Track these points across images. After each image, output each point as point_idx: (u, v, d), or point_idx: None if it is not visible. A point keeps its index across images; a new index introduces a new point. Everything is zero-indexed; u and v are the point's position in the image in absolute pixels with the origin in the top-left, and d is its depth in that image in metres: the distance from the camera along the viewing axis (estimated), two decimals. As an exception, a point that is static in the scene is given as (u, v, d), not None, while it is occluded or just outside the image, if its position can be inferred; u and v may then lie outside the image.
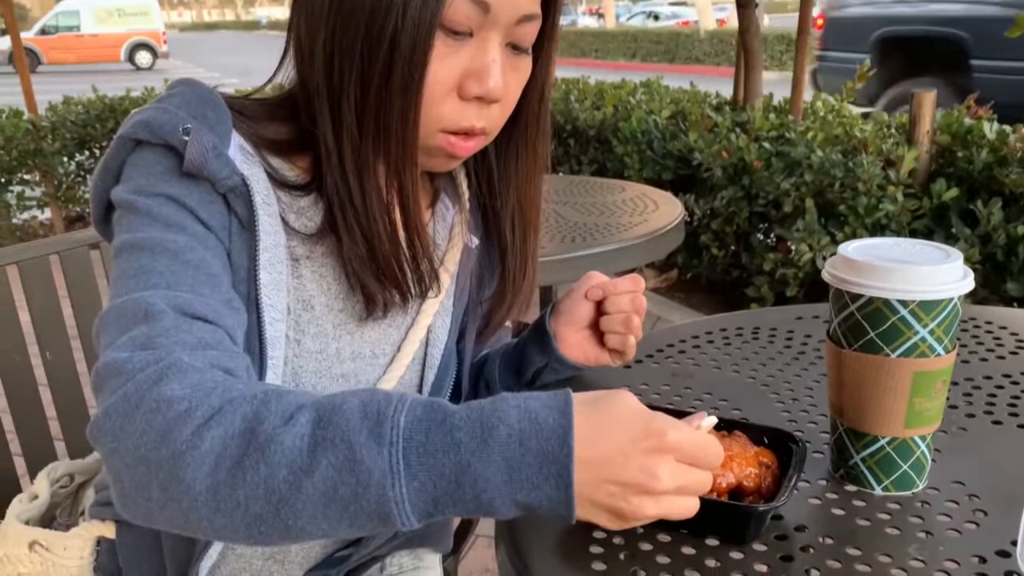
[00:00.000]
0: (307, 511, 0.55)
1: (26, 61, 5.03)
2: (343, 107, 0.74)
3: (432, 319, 0.89)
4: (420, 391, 0.92)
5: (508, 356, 1.00)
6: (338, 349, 0.83)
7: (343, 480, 0.54)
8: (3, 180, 4.78)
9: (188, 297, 0.66)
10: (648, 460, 0.55)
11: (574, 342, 0.94)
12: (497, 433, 0.54)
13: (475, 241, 0.92)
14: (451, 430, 0.55)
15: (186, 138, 0.70)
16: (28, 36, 22.89)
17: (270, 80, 0.82)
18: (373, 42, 0.71)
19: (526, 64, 0.79)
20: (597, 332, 0.94)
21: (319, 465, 0.54)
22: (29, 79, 4.94)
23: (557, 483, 0.54)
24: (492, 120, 0.78)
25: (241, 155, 0.76)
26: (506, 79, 0.76)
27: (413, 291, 0.83)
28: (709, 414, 0.66)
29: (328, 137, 0.75)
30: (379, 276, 0.79)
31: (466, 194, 0.92)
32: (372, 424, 0.55)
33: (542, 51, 0.81)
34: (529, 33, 0.77)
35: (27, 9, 36.54)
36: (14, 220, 4.94)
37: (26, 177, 4.90)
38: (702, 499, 0.69)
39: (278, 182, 0.78)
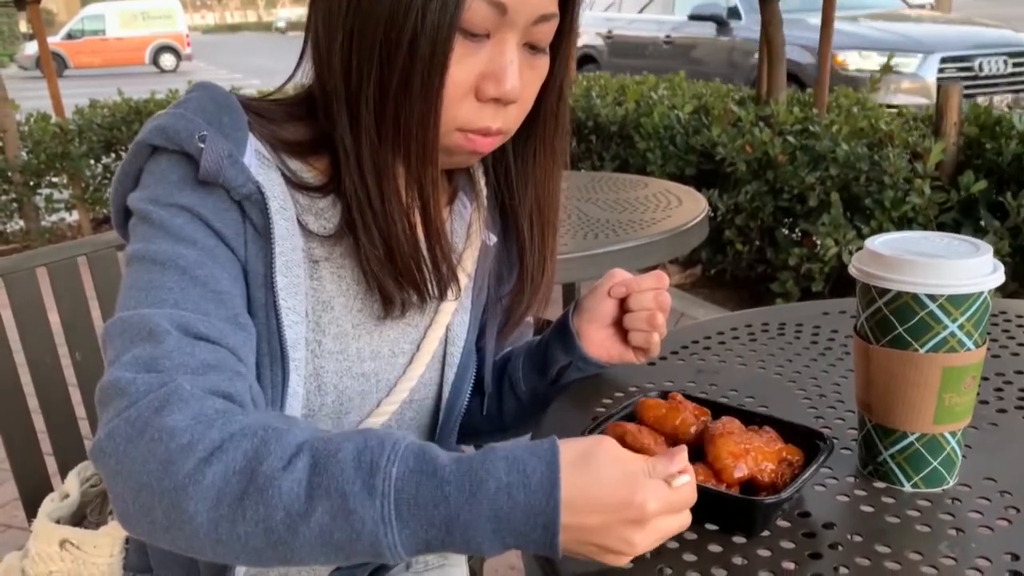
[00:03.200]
0: (304, 550, 0.58)
1: (53, 66, 5.10)
2: (361, 109, 0.74)
3: (451, 317, 0.89)
4: (440, 389, 0.92)
5: (531, 354, 0.99)
6: (358, 349, 0.83)
7: (338, 527, 0.57)
8: (32, 183, 4.85)
9: (193, 317, 0.67)
10: (627, 531, 0.58)
11: (598, 340, 0.93)
12: (486, 487, 0.57)
13: (493, 238, 0.92)
14: (441, 483, 0.57)
15: (202, 146, 0.71)
16: (55, 40, 23.19)
17: (288, 80, 0.82)
18: (392, 45, 0.71)
19: (544, 63, 0.79)
20: (621, 330, 0.93)
21: (315, 511, 0.57)
22: (56, 83, 5.01)
23: (544, 532, 0.57)
24: (509, 120, 0.78)
25: (257, 160, 0.76)
26: (524, 79, 0.76)
27: (431, 292, 0.83)
28: (683, 472, 0.62)
29: (346, 139, 0.76)
30: (397, 277, 0.80)
31: (484, 191, 0.92)
32: (365, 475, 0.57)
33: (560, 49, 0.81)
34: (546, 32, 0.77)
35: (54, 14, 37.02)
36: (43, 223, 5.01)
37: (54, 180, 4.96)
38: (708, 489, 0.69)
39: (295, 184, 0.78)
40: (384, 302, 0.82)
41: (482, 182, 0.92)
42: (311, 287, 0.80)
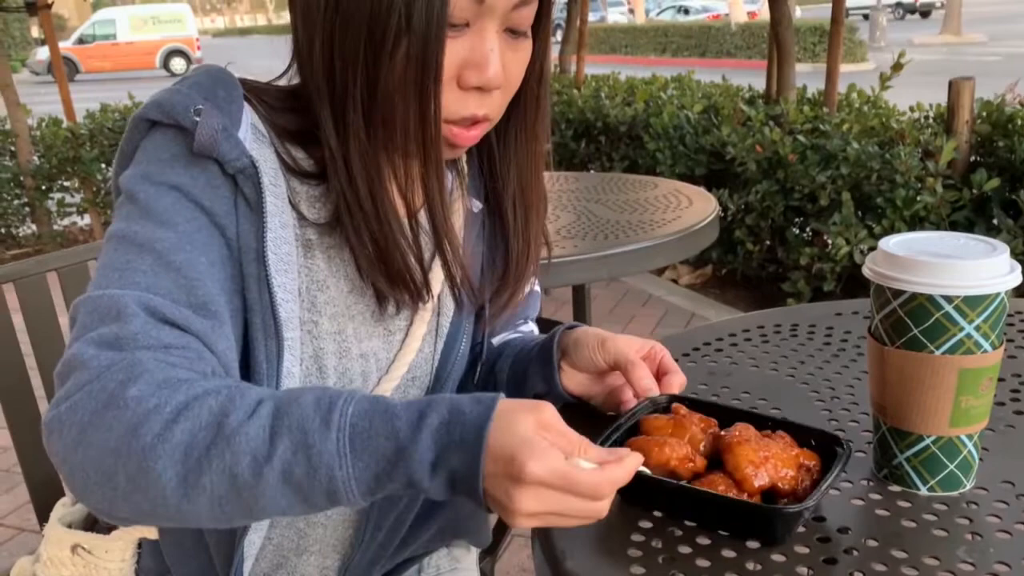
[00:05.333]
0: (267, 492, 0.60)
1: (64, 71, 5.13)
2: (348, 111, 0.73)
3: (439, 287, 0.87)
4: (433, 361, 0.91)
5: (515, 366, 0.96)
6: (355, 329, 0.83)
7: (297, 461, 0.59)
8: (44, 187, 4.88)
9: (162, 302, 0.67)
10: (507, 484, 0.59)
11: (580, 380, 0.90)
12: (429, 421, 0.60)
13: (478, 205, 0.91)
14: (392, 418, 0.60)
15: (197, 119, 0.71)
16: (66, 45, 23.35)
17: (279, 77, 0.81)
18: (377, 45, 0.70)
19: (526, 47, 0.78)
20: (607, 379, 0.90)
21: (277, 449, 0.59)
22: (68, 88, 5.03)
23: (470, 470, 0.60)
24: (494, 106, 0.77)
25: (252, 135, 0.76)
26: (506, 64, 0.75)
27: (424, 296, 0.82)
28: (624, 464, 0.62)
29: (331, 140, 0.75)
30: (389, 278, 0.79)
31: (464, 156, 0.89)
32: (324, 412, 0.60)
33: (539, 31, 0.79)
34: (526, 16, 0.76)
35: (65, 19, 37.24)
36: (55, 226, 5.04)
37: (66, 184, 5.00)
38: (730, 500, 0.69)
39: (291, 169, 0.78)
40: (378, 300, 0.81)
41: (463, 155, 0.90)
42: (305, 266, 0.79)
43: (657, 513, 0.74)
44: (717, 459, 0.74)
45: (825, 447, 0.75)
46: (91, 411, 0.61)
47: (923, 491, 0.75)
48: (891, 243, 0.75)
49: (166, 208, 0.71)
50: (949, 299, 0.70)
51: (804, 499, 0.70)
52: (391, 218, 0.77)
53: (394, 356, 0.87)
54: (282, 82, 0.82)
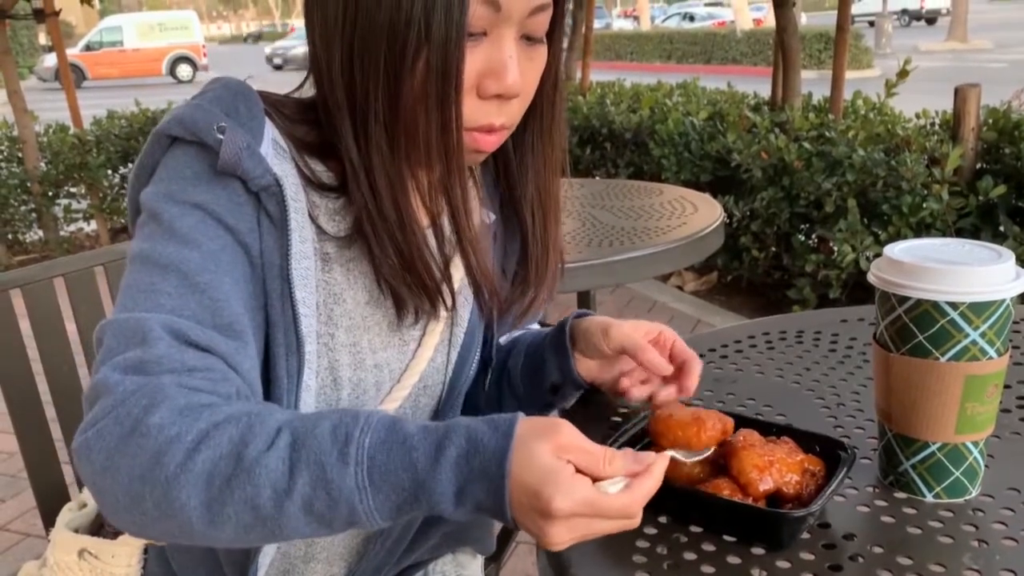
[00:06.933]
0: (290, 523, 0.61)
1: (72, 78, 5.15)
2: (369, 123, 0.74)
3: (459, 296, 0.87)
4: (446, 370, 0.91)
5: (529, 359, 0.97)
6: (370, 340, 0.83)
7: (317, 496, 0.60)
8: (51, 193, 4.90)
9: (187, 324, 0.67)
10: (537, 520, 0.60)
11: (590, 367, 0.91)
12: (447, 453, 0.60)
13: (491, 216, 0.91)
14: (409, 451, 0.61)
15: (221, 136, 0.71)
16: (74, 52, 23.46)
17: (295, 90, 0.82)
18: (397, 58, 0.70)
19: (541, 53, 0.78)
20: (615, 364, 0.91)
21: (296, 483, 0.60)
22: (75, 95, 5.05)
23: (495, 499, 0.60)
24: (512, 115, 0.78)
25: (274, 150, 0.76)
26: (523, 71, 0.75)
27: (447, 303, 0.82)
28: (621, 479, 0.62)
29: (352, 152, 0.75)
30: (413, 287, 0.79)
31: (478, 168, 0.90)
32: (341, 445, 0.61)
33: (553, 37, 0.80)
34: (542, 23, 0.76)
35: (73, 26, 37.42)
36: (61, 232, 5.06)
37: (72, 190, 5.01)
38: (735, 503, 0.69)
39: (311, 182, 0.78)
40: (397, 308, 0.81)
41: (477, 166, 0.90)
42: (322, 279, 0.79)
43: (662, 519, 0.74)
44: (722, 464, 0.75)
45: (830, 453, 0.75)
46: (117, 437, 0.62)
47: (929, 498, 0.75)
48: (896, 249, 0.75)
49: (190, 227, 0.71)
50: (954, 305, 0.70)
51: (809, 504, 0.70)
52: (415, 228, 0.77)
53: (406, 365, 0.87)
54: (303, 92, 0.82)
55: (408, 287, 0.79)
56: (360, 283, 0.81)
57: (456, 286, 0.84)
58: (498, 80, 0.73)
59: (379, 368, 0.84)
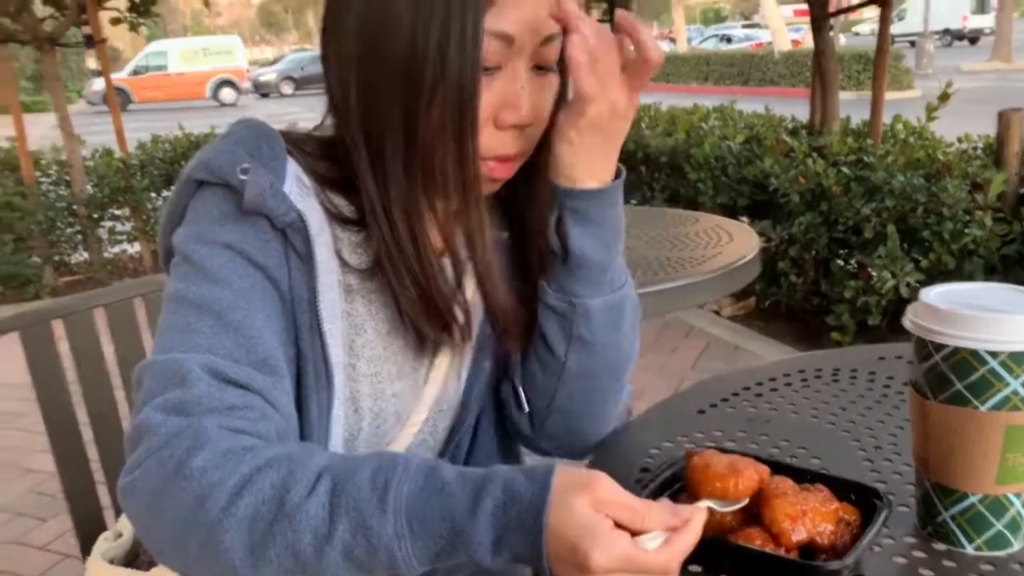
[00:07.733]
0: (330, 569, 0.62)
1: (118, 102, 5.28)
2: (386, 159, 0.75)
3: (478, 325, 0.87)
4: (459, 392, 0.90)
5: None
6: (389, 370, 0.84)
7: (357, 543, 0.61)
8: (96, 216, 5.02)
9: (224, 363, 0.68)
10: (576, 573, 0.60)
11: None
12: (484, 504, 0.61)
13: (503, 234, 0.90)
14: (447, 499, 0.62)
15: (244, 178, 0.73)
16: (121, 76, 24.08)
17: (317, 127, 0.83)
18: (413, 95, 0.72)
19: (554, 80, 0.79)
20: None
21: (336, 530, 0.61)
22: (120, 119, 5.19)
23: (533, 550, 0.61)
24: (528, 143, 0.79)
25: (297, 187, 0.77)
26: (537, 100, 0.76)
27: (468, 334, 0.82)
28: (661, 532, 0.62)
29: (369, 185, 0.76)
30: (432, 319, 0.80)
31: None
32: (380, 493, 0.62)
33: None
34: (553, 51, 0.77)
35: (120, 51, 38.39)
36: (106, 254, 5.17)
37: (117, 213, 5.13)
38: (767, 554, 0.67)
39: (334, 216, 0.79)
40: (419, 339, 0.82)
41: None
42: (345, 311, 0.80)
43: (693, 567, 0.72)
44: (755, 512, 0.73)
45: (865, 501, 0.74)
46: (160, 478, 0.63)
47: (969, 550, 0.73)
48: (932, 294, 0.73)
49: (220, 267, 0.72)
50: (995, 354, 0.68)
51: (843, 555, 0.68)
52: (432, 260, 0.78)
53: (423, 392, 0.87)
54: (325, 129, 0.83)
55: (427, 318, 0.80)
56: (381, 314, 0.82)
57: (471, 310, 0.84)
58: (514, 111, 0.75)
59: (397, 397, 0.85)
